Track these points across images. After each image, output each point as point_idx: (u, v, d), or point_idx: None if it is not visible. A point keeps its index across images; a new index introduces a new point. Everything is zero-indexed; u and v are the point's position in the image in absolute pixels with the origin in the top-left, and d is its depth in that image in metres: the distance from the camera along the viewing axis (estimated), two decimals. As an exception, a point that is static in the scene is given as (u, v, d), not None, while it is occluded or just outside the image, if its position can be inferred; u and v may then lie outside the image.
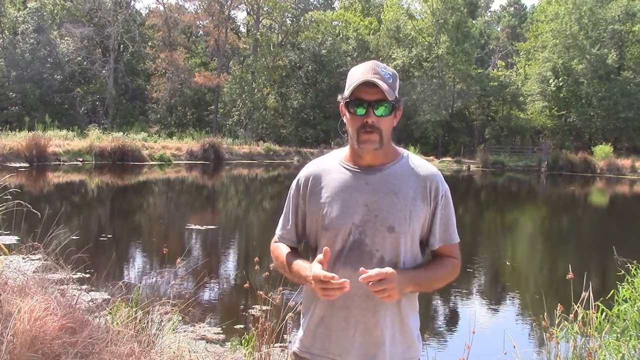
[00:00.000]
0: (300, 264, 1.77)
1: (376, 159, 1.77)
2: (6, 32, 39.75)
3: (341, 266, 1.73)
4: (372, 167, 1.78)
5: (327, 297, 1.65)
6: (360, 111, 1.70)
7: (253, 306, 5.49)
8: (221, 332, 5.14)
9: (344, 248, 1.73)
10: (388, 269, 1.61)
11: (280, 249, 1.89)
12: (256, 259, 4.04)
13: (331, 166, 1.83)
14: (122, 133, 29.74)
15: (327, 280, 1.61)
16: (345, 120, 1.78)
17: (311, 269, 1.67)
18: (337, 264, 1.73)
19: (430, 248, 1.83)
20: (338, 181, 1.78)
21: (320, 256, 1.66)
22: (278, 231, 1.93)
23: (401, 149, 1.85)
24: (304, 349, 1.83)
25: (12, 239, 6.97)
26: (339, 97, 1.76)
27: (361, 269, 1.62)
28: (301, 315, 1.90)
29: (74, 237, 5.56)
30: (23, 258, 4.72)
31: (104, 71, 42.01)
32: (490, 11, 71.33)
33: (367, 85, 1.68)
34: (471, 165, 38.28)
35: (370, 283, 1.60)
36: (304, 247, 1.95)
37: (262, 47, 44.23)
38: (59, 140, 25.59)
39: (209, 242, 10.82)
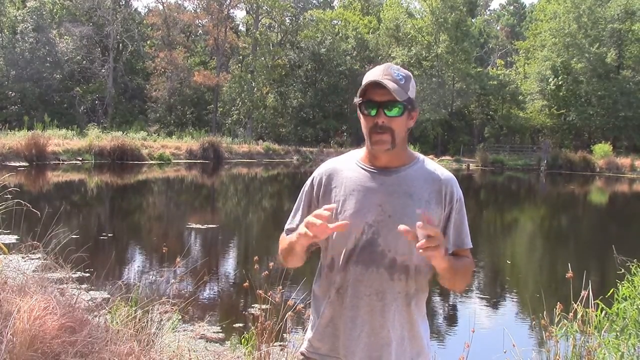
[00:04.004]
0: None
1: (392, 161, 1.77)
2: (5, 31, 39.74)
3: (353, 265, 1.73)
4: (388, 168, 1.77)
5: (314, 231, 1.59)
6: (372, 112, 1.70)
7: (252, 305, 5.50)
8: (221, 331, 5.15)
9: (356, 247, 1.72)
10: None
11: (285, 237, 1.88)
12: (256, 257, 4.02)
13: (347, 165, 1.83)
14: (121, 132, 29.73)
15: (320, 214, 1.58)
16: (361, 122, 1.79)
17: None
18: (349, 262, 1.73)
19: None
20: (353, 180, 1.78)
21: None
22: (287, 225, 1.92)
23: (417, 153, 1.85)
24: (312, 349, 1.83)
25: (12, 238, 6.96)
26: (355, 100, 1.76)
27: (400, 226, 1.56)
28: (310, 317, 1.90)
29: (74, 236, 5.56)
30: (22, 257, 4.71)
31: (103, 70, 42.02)
32: (489, 10, 71.42)
33: (377, 86, 1.68)
34: (470, 164, 38.28)
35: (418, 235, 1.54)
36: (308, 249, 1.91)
37: (262, 46, 44.19)
38: (58, 140, 25.56)
39: (209, 241, 10.81)
